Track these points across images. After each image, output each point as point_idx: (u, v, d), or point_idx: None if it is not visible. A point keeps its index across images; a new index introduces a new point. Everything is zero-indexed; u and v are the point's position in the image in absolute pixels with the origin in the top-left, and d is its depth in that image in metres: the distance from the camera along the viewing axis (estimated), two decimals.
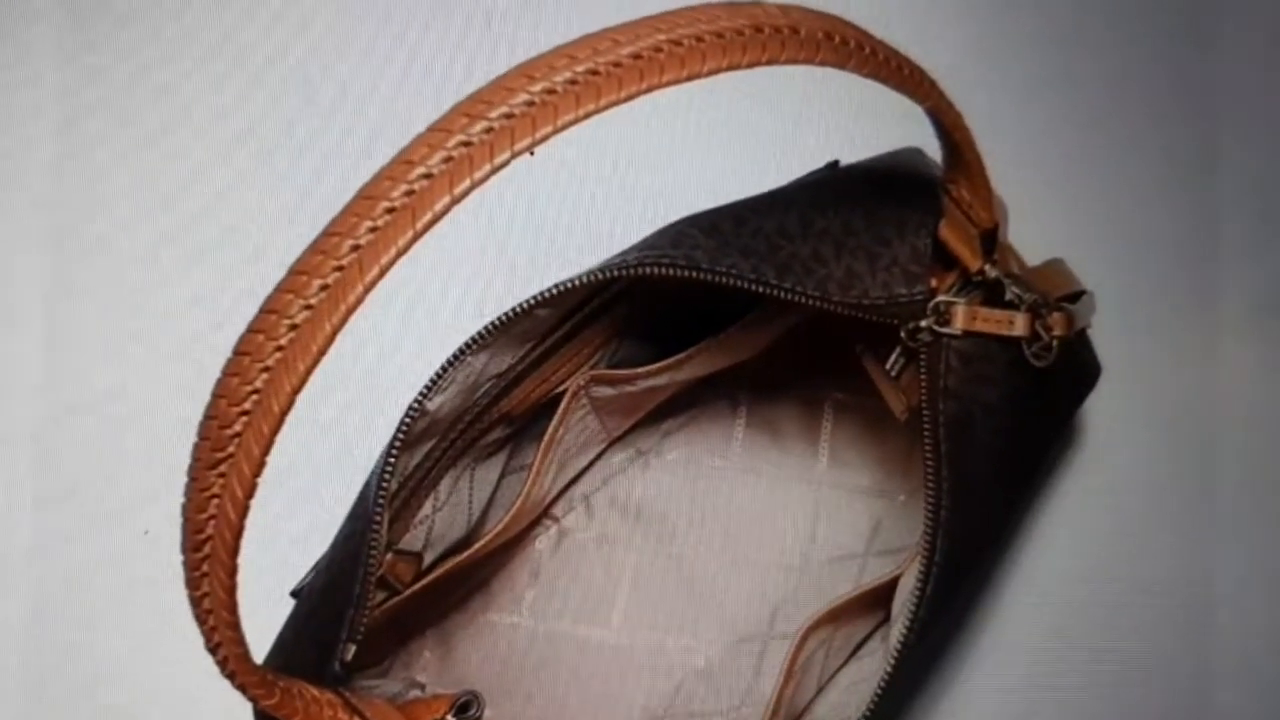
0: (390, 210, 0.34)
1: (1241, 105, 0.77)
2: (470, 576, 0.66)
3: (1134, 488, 0.73)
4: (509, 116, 0.35)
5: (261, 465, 0.35)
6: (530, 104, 0.35)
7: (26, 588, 0.72)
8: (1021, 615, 0.71)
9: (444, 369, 0.55)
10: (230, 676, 0.39)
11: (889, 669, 0.56)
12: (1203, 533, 0.72)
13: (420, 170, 0.34)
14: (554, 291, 0.54)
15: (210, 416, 0.35)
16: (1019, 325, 0.55)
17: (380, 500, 0.51)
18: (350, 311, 0.34)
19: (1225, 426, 0.73)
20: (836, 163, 0.64)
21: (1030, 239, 0.62)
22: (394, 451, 0.52)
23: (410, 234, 0.34)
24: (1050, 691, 0.70)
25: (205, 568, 0.36)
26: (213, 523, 0.35)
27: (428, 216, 0.34)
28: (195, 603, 0.37)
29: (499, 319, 0.55)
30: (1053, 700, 0.70)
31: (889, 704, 0.56)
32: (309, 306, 0.34)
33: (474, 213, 0.76)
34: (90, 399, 0.74)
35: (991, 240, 0.56)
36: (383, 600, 0.58)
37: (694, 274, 0.52)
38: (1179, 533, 0.72)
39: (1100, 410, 0.72)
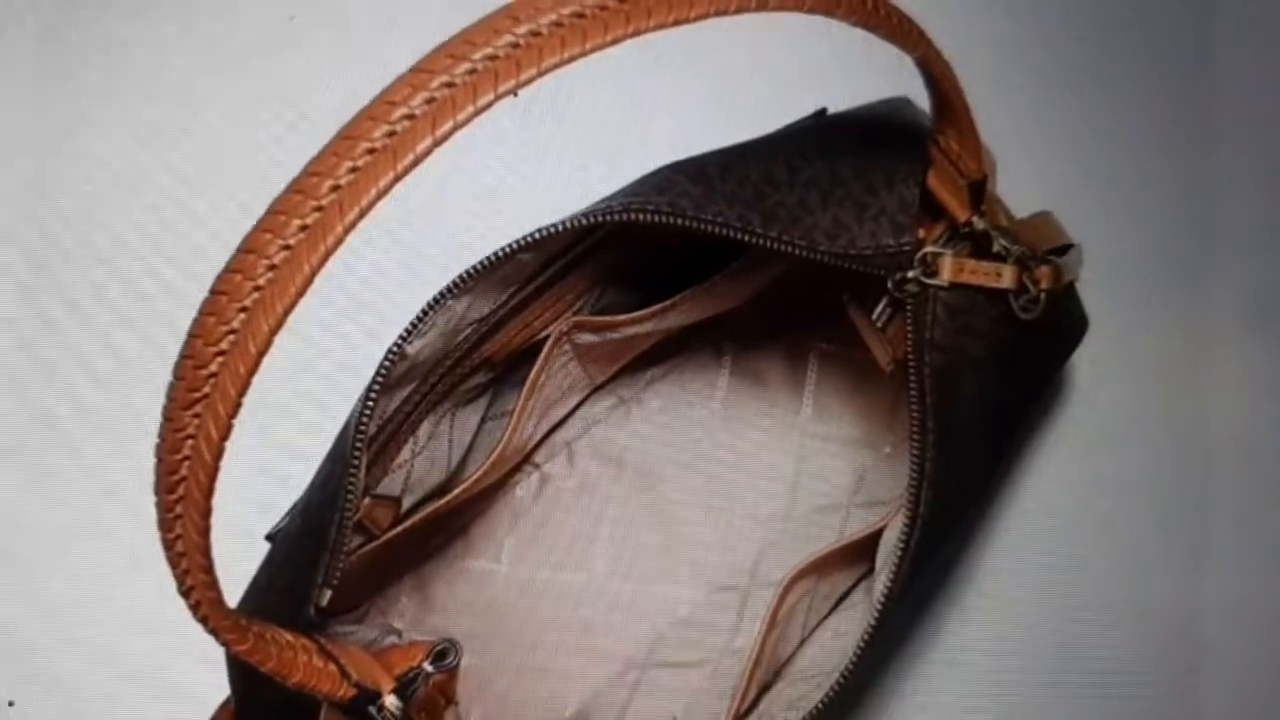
0: (371, 151, 0.34)
1: (1237, 54, 0.77)
2: (449, 523, 0.65)
3: (1122, 441, 0.72)
4: (492, 58, 0.34)
5: (237, 406, 0.35)
6: (514, 45, 0.35)
7: None
8: (1007, 568, 0.71)
9: (424, 312, 0.54)
10: (203, 621, 0.39)
11: (873, 621, 0.56)
12: (1192, 483, 0.72)
13: (402, 111, 0.34)
14: (537, 236, 0.54)
15: (186, 356, 0.34)
16: (1006, 278, 0.55)
17: (358, 443, 0.51)
18: (330, 253, 0.34)
19: (1214, 377, 0.73)
20: (824, 111, 0.63)
21: (1019, 191, 0.61)
22: (373, 394, 0.52)
23: (391, 175, 0.34)
24: (1034, 651, 0.70)
25: (178, 509, 0.36)
26: (187, 464, 0.35)
27: (409, 158, 0.34)
28: (168, 545, 0.36)
29: (480, 263, 0.54)
30: (1039, 653, 0.70)
31: (873, 656, 0.56)
32: (287, 247, 0.34)
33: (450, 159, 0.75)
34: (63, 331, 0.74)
35: (980, 191, 0.55)
36: (359, 545, 0.58)
37: (679, 221, 0.51)
38: (1168, 484, 0.72)
39: (1088, 364, 0.72)
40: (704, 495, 0.69)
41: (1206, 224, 0.75)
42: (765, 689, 0.62)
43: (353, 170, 0.34)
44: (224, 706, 0.55)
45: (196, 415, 0.34)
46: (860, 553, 0.64)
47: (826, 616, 0.65)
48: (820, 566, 0.63)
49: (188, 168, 0.78)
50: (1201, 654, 0.70)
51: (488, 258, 0.54)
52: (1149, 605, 0.71)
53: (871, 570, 0.63)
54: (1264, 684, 0.70)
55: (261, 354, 0.34)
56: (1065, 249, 0.60)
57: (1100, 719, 0.69)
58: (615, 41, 0.36)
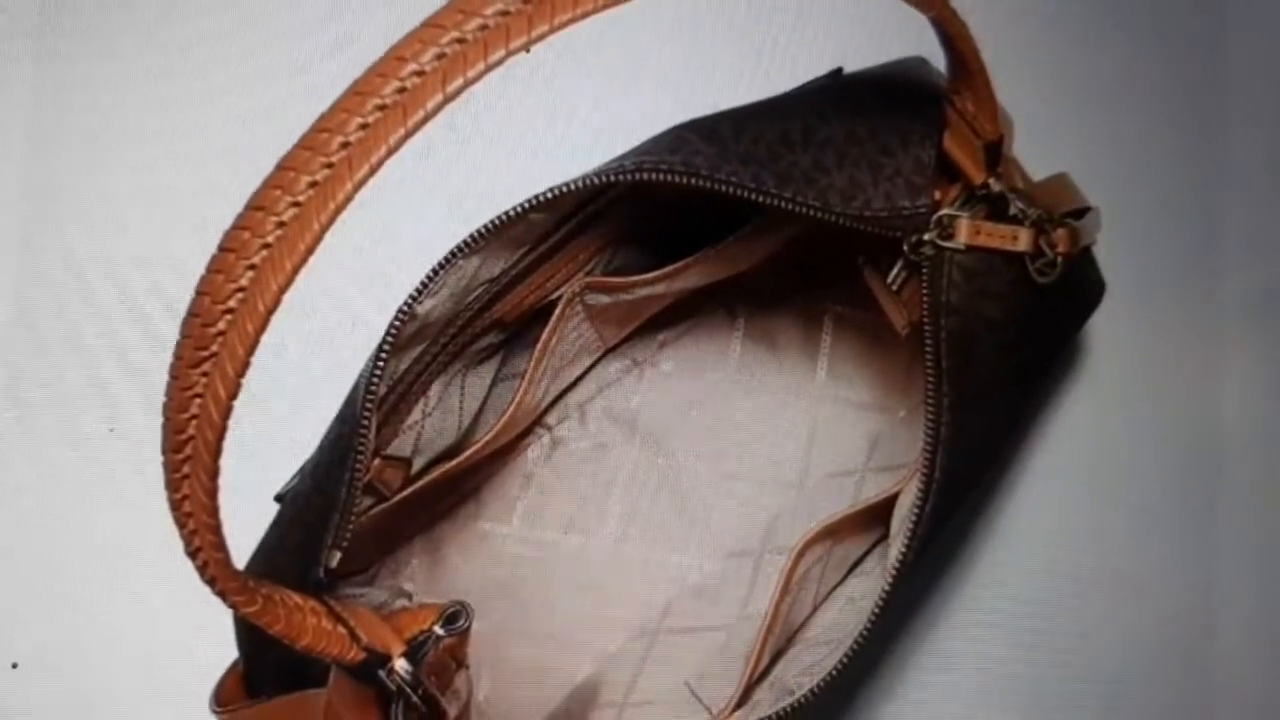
0: (381, 107, 0.33)
1: (1252, 16, 0.76)
2: (460, 484, 0.65)
3: (1138, 406, 0.72)
4: (504, 14, 0.34)
5: (246, 365, 0.34)
6: (527, 1, 0.34)
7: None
8: (1021, 534, 0.70)
9: (435, 272, 0.54)
10: (210, 582, 0.39)
11: (887, 586, 0.55)
12: (1207, 450, 0.72)
13: (413, 67, 0.33)
14: (548, 195, 0.53)
15: (194, 314, 0.34)
16: (1023, 240, 0.55)
17: (368, 403, 0.51)
18: (339, 210, 0.34)
19: (1230, 343, 0.73)
20: (840, 71, 0.63)
21: (1035, 153, 0.61)
22: (383, 354, 0.52)
23: (401, 132, 0.34)
24: (1049, 615, 0.70)
25: (186, 469, 0.35)
26: (194, 423, 0.35)
27: (420, 114, 0.34)
28: (175, 505, 0.36)
29: (492, 222, 0.54)
30: (1051, 619, 0.70)
31: (888, 621, 0.56)
32: (297, 204, 0.33)
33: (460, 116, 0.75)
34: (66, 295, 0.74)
35: (996, 153, 0.55)
36: (370, 506, 0.57)
37: (693, 181, 0.51)
38: (1183, 450, 0.72)
39: (1104, 328, 0.71)
40: (717, 459, 0.68)
41: (1225, 186, 0.74)
42: (779, 655, 0.62)
43: (363, 127, 0.33)
44: (232, 669, 0.55)
45: (205, 374, 0.34)
46: (875, 518, 0.64)
47: (840, 582, 0.65)
48: (834, 532, 0.63)
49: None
50: (1212, 620, 0.70)
51: (499, 217, 0.54)
52: (1162, 572, 0.71)
53: (886, 535, 0.63)
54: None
55: (270, 312, 0.34)
56: (1082, 212, 0.60)
57: (1114, 685, 0.69)
58: None
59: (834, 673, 0.54)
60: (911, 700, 0.69)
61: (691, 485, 0.68)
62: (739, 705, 0.59)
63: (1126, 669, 0.69)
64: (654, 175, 0.51)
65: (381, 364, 0.52)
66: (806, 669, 0.58)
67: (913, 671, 0.69)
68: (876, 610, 0.55)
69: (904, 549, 0.55)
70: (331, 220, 0.33)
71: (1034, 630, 0.70)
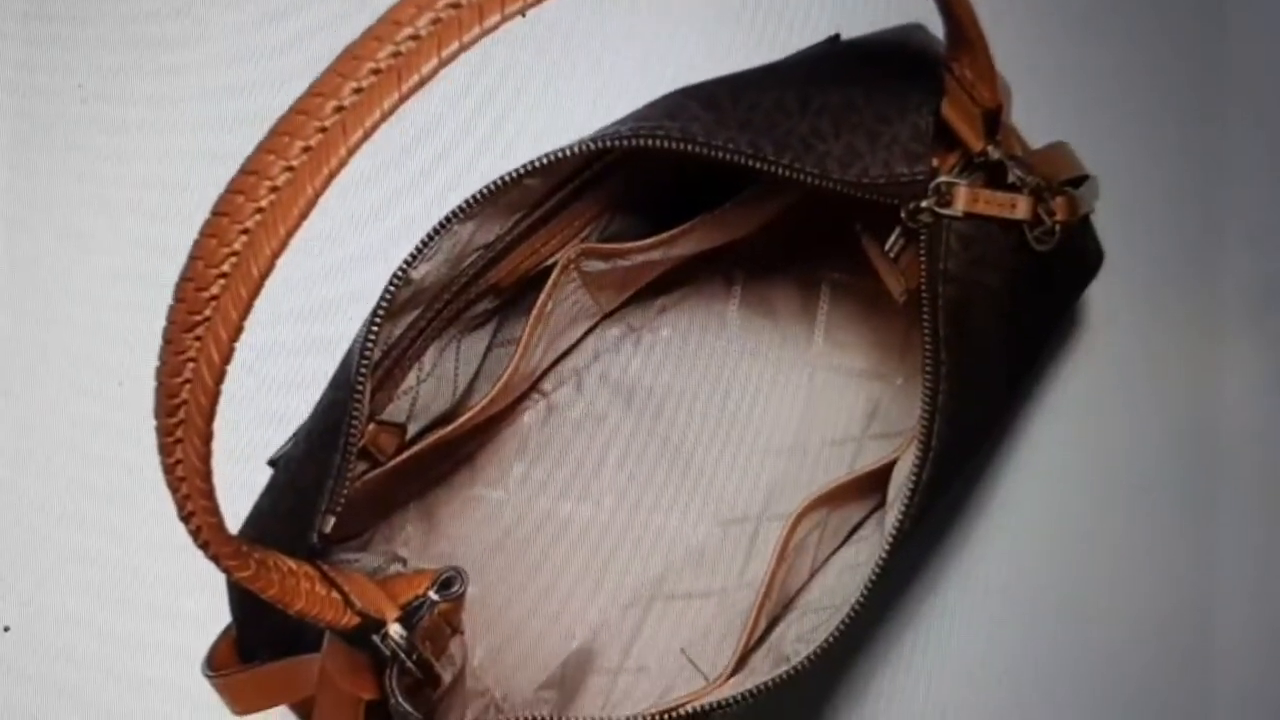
0: (376, 71, 0.33)
1: None
2: (455, 450, 0.65)
3: (1136, 374, 0.72)
4: None
5: (239, 330, 0.34)
6: None
7: None
8: (1019, 502, 0.70)
9: (429, 237, 0.54)
10: (203, 547, 0.38)
11: (884, 554, 0.55)
12: (1206, 417, 0.72)
13: (408, 31, 0.33)
14: (544, 161, 0.53)
15: (187, 278, 0.34)
16: (1021, 208, 0.55)
17: (363, 369, 0.51)
18: (333, 175, 0.33)
19: (1230, 309, 0.72)
20: (837, 37, 0.63)
21: (1034, 121, 0.61)
22: (377, 319, 0.52)
23: (396, 96, 0.33)
24: (1046, 581, 0.70)
25: (179, 433, 0.35)
26: (188, 387, 0.35)
27: (414, 79, 0.33)
28: (168, 469, 0.36)
29: (487, 188, 0.54)
30: (1052, 589, 0.70)
31: (884, 588, 0.56)
32: (290, 168, 0.33)
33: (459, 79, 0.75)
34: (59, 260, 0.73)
35: (994, 121, 0.55)
36: (364, 472, 0.57)
37: (689, 147, 0.51)
38: (1181, 418, 0.72)
39: (1103, 297, 0.71)
40: (714, 426, 0.68)
41: (1226, 154, 0.74)
42: (775, 621, 0.62)
43: (357, 91, 0.33)
44: (225, 634, 0.55)
45: (197, 338, 0.34)
46: (872, 485, 0.64)
47: (837, 549, 0.65)
48: (831, 499, 0.63)
49: None
50: (1214, 587, 0.70)
51: (494, 182, 0.54)
52: (1161, 542, 0.71)
53: (883, 503, 0.63)
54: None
55: (264, 277, 0.34)
56: (1081, 180, 0.60)
57: (1111, 656, 0.69)
58: None
59: (830, 639, 0.54)
60: (908, 667, 0.69)
61: (688, 452, 0.68)
62: (735, 671, 0.60)
63: (1124, 639, 0.70)
64: (651, 141, 0.51)
65: (376, 329, 0.51)
66: (803, 635, 0.58)
67: (909, 638, 0.69)
68: (873, 577, 0.55)
69: (901, 516, 0.55)
70: (325, 185, 0.33)
71: (1030, 599, 0.70)
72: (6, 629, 0.70)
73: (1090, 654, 0.69)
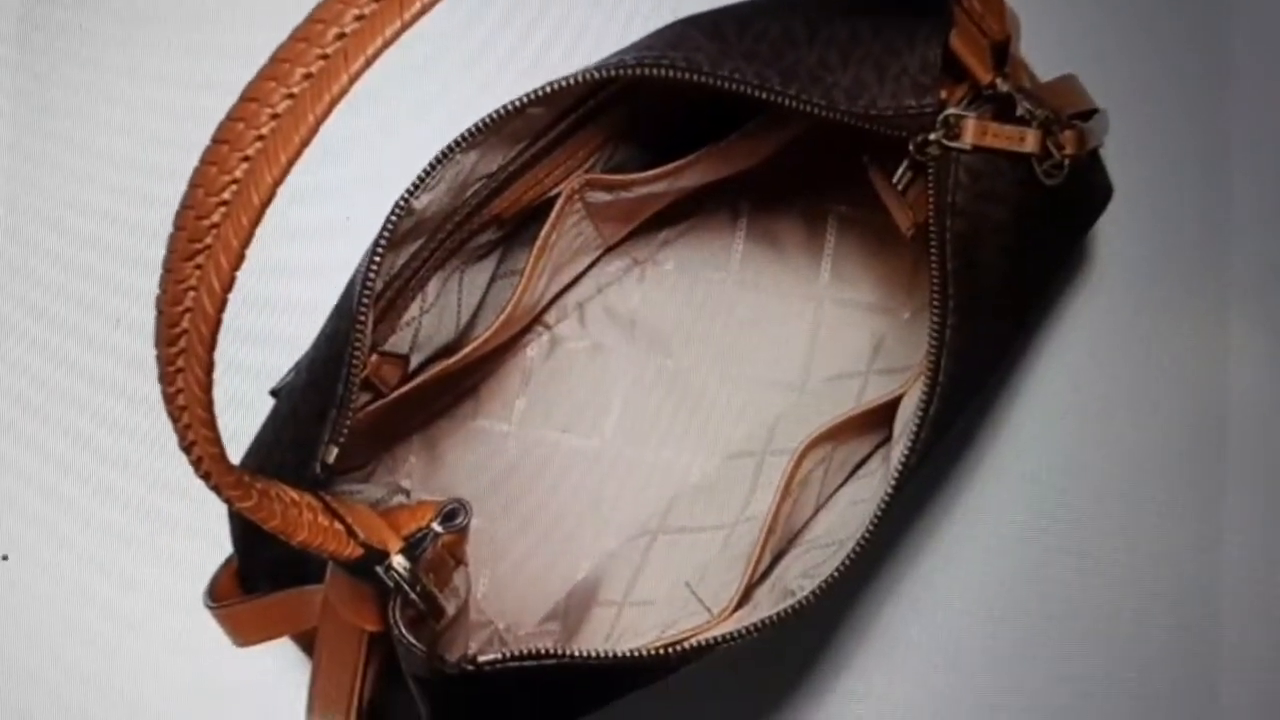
0: None
1: None
2: (459, 382, 0.65)
3: (1144, 309, 0.72)
4: None
5: (240, 258, 0.34)
6: None
7: None
8: (1026, 439, 0.70)
9: (431, 166, 0.53)
10: (205, 477, 0.38)
11: (890, 489, 0.55)
12: (1213, 354, 0.71)
13: None
14: (547, 90, 0.53)
15: (187, 206, 0.34)
16: (1030, 142, 0.54)
17: (365, 299, 0.50)
18: (335, 102, 0.33)
19: (1238, 242, 0.72)
20: None
21: (1042, 54, 0.60)
22: (379, 249, 0.51)
23: (398, 23, 0.33)
24: (1051, 519, 0.70)
25: (180, 362, 0.35)
26: (189, 316, 0.34)
27: (417, 6, 0.33)
28: (169, 399, 0.36)
29: (489, 116, 0.53)
30: (1058, 524, 0.70)
31: (889, 524, 0.56)
32: (291, 96, 0.33)
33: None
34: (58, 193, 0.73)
35: (1003, 53, 0.55)
36: (367, 402, 0.57)
37: (695, 77, 0.51)
38: (1189, 354, 0.71)
39: (1111, 231, 0.71)
40: (718, 360, 0.68)
41: (1233, 86, 0.74)
42: (779, 556, 0.62)
43: (358, 18, 0.33)
44: (227, 564, 0.55)
45: (198, 266, 0.34)
46: (878, 420, 0.63)
47: (843, 484, 0.65)
48: (836, 434, 0.63)
49: None
50: (1221, 518, 0.70)
51: (497, 111, 0.53)
52: (1168, 472, 0.71)
53: (889, 438, 0.63)
54: None
55: (265, 205, 0.34)
56: (1090, 114, 0.60)
57: (1117, 591, 0.69)
58: None
59: (835, 575, 0.54)
60: (913, 601, 0.69)
61: (692, 386, 0.68)
62: (739, 606, 0.60)
63: (1130, 574, 0.70)
64: (655, 71, 0.51)
65: (378, 259, 0.51)
66: (808, 570, 0.58)
67: (914, 574, 0.69)
68: (879, 513, 0.55)
69: (907, 451, 0.55)
70: (327, 113, 0.33)
71: (1036, 536, 0.70)
72: (5, 558, 0.69)
73: (1096, 589, 0.70)
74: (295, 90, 0.33)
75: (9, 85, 0.74)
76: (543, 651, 0.49)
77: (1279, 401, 0.71)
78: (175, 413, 0.36)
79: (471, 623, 0.58)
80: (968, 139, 0.53)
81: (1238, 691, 0.70)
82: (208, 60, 0.74)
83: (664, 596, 0.64)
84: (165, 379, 0.36)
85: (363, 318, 0.50)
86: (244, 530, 0.53)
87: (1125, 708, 0.69)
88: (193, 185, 0.33)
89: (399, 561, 0.47)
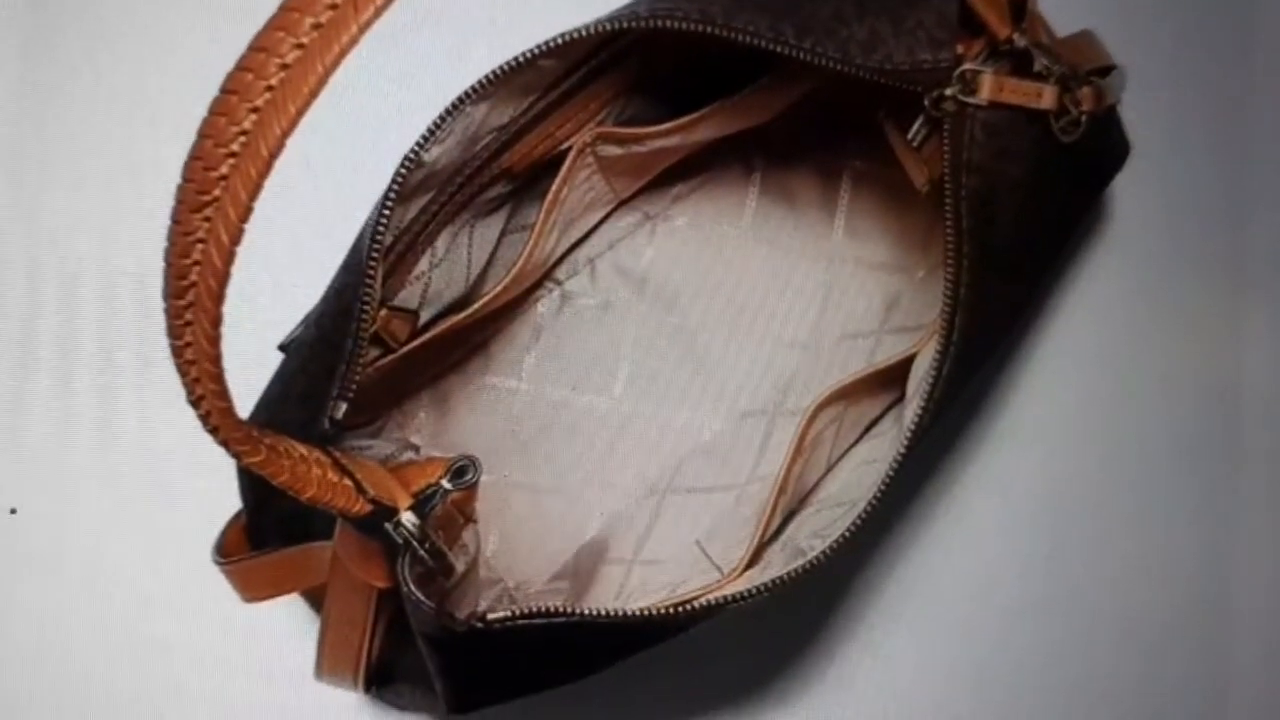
0: None
1: None
2: (469, 338, 0.65)
3: (1161, 269, 0.71)
4: None
5: (249, 210, 0.34)
6: None
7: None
8: (1039, 398, 0.70)
9: (442, 119, 0.53)
10: (213, 431, 0.38)
11: (902, 449, 0.55)
12: (1230, 314, 0.71)
13: None
14: (559, 42, 0.52)
15: (195, 157, 0.33)
16: (1047, 98, 0.54)
17: (374, 252, 0.50)
18: (344, 53, 0.33)
19: (1256, 200, 0.72)
20: None
21: (1060, 8, 0.59)
22: (389, 202, 0.51)
23: None
24: (1066, 479, 0.70)
25: (188, 316, 0.35)
26: (197, 269, 0.34)
27: None
28: (177, 352, 0.35)
29: (500, 68, 0.53)
30: (1071, 487, 0.70)
31: (901, 483, 0.56)
32: (300, 45, 0.32)
33: None
34: (70, 145, 0.73)
35: (1021, 7, 0.55)
36: (376, 358, 0.57)
37: (708, 29, 0.50)
38: (1205, 313, 0.71)
39: (1128, 189, 0.70)
40: (730, 318, 0.68)
41: (1254, 40, 0.73)
42: (791, 515, 0.62)
43: None
44: (235, 520, 0.55)
45: (206, 219, 0.33)
46: (890, 380, 0.63)
47: (855, 444, 0.65)
48: (849, 393, 0.63)
49: None
50: (1238, 485, 0.70)
51: (508, 62, 0.53)
52: (1183, 437, 0.70)
53: (901, 397, 0.63)
54: None
55: (274, 157, 0.33)
56: (1108, 70, 0.59)
57: (1130, 554, 0.69)
58: None
59: (846, 535, 0.53)
60: (925, 561, 0.69)
61: (703, 343, 0.67)
62: (749, 566, 0.59)
63: (1145, 539, 0.70)
64: (668, 23, 0.50)
65: (387, 212, 0.51)
66: (819, 530, 0.58)
67: (925, 535, 0.69)
68: (891, 473, 0.55)
69: (920, 411, 0.55)
70: (336, 63, 0.33)
71: (1050, 497, 0.70)
72: (14, 511, 0.69)
73: (1106, 550, 0.69)
74: (304, 40, 0.32)
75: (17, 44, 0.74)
76: (552, 609, 0.48)
77: None
78: (184, 367, 0.36)
79: (481, 580, 0.58)
80: (984, 94, 0.52)
81: (1247, 671, 0.70)
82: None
83: (674, 555, 0.64)
84: (174, 333, 0.35)
85: (372, 272, 0.50)
86: (252, 485, 0.53)
87: (1132, 675, 0.69)
88: (201, 136, 0.33)
89: (408, 518, 0.47)
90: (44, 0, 0.74)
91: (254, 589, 0.54)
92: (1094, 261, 0.71)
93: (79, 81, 0.73)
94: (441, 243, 0.58)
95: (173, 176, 0.33)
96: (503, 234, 0.62)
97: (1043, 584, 0.69)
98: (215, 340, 0.36)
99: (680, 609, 0.51)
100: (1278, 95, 0.72)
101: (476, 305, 0.60)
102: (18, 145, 0.72)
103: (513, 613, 0.48)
